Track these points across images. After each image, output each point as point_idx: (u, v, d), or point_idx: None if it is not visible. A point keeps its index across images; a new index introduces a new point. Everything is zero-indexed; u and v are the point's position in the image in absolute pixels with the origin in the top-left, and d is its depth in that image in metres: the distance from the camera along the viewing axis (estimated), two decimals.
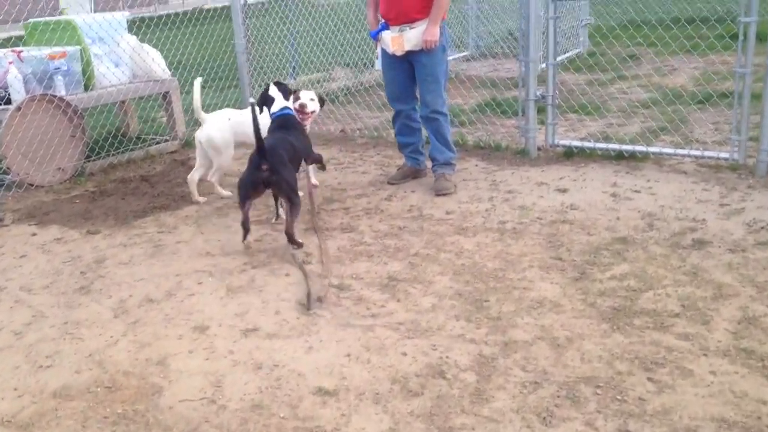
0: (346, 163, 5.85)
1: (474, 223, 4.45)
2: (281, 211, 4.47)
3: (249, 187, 4.08)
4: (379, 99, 7.38)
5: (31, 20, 6.16)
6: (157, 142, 6.51)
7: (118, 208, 5.06)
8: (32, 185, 5.42)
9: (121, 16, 6.19)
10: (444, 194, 4.99)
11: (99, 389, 2.94)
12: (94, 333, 3.36)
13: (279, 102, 4.49)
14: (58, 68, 5.70)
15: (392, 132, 5.60)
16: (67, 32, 5.91)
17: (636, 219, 4.32)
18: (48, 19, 6.16)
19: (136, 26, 7.01)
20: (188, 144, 6.54)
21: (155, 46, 6.51)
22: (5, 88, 5.50)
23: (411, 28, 4.97)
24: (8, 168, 5.36)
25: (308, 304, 3.51)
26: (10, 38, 9.55)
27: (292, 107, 4.54)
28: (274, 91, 4.51)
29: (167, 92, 6.46)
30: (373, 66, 8.36)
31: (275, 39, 8.08)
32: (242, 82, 7.00)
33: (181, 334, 3.32)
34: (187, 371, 3.02)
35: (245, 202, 4.11)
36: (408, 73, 5.14)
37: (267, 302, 3.58)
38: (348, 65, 8.97)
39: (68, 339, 3.32)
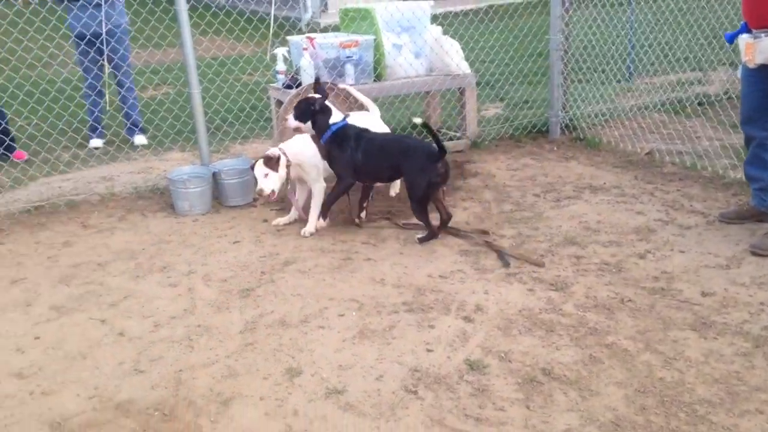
0: (627, 197, 4.72)
1: (729, 321, 3.15)
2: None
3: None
4: (733, 116, 5.86)
5: (342, 7, 6.22)
6: (450, 139, 6.12)
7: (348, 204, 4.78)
8: None
9: (427, 6, 5.88)
10: (759, 254, 3.76)
11: (157, 413, 2.73)
12: (208, 345, 3.18)
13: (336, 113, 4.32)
14: (350, 57, 5.65)
15: (717, 165, 4.50)
16: (367, 20, 5.82)
17: None
18: (355, 6, 6.15)
19: (440, 19, 6.66)
20: (475, 145, 6.03)
21: (459, 39, 6.08)
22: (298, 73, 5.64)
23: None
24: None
25: (504, 260, 3.77)
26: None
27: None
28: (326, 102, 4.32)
29: (462, 88, 5.99)
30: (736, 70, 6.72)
31: (603, 34, 6.95)
32: (552, 81, 6.16)
33: (270, 374, 2.93)
34: (238, 423, 2.65)
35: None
36: (766, 92, 3.91)
37: (380, 360, 2.98)
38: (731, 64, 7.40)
39: (183, 346, 3.19)
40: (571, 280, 3.62)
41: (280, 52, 5.92)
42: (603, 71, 6.99)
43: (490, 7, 7.42)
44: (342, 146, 4.21)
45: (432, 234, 4.17)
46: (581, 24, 6.34)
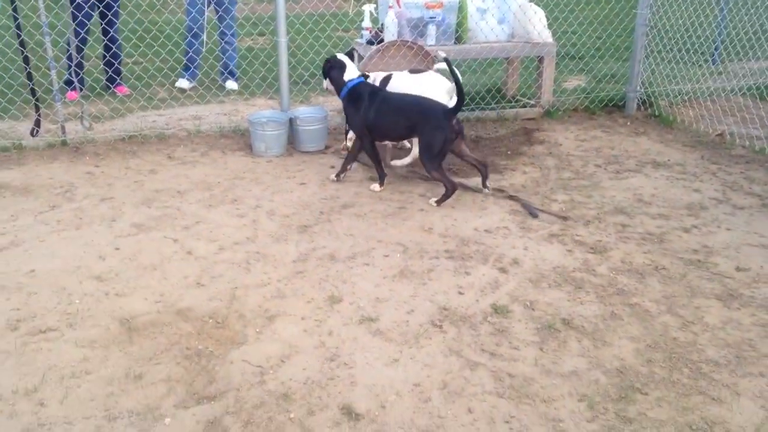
0: (688, 174, 4.76)
1: (756, 294, 3.25)
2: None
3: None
4: None
5: None
6: (523, 106, 6.24)
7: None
8: None
9: None
10: None
11: (211, 321, 3.09)
12: (263, 270, 3.51)
13: (351, 69, 4.53)
14: (433, 18, 5.83)
15: None
16: None
17: None
18: None
19: None
20: (549, 114, 6.12)
21: (545, 8, 6.15)
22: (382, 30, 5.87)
23: None
24: None
25: (531, 211, 4.04)
26: None
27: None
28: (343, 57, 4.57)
29: (541, 57, 6.07)
30: None
31: (693, 13, 6.82)
32: (634, 56, 6.15)
33: (313, 299, 3.24)
34: (279, 336, 2.96)
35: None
36: None
37: (414, 297, 3.24)
38: None
39: (241, 268, 3.53)
40: (612, 246, 3.76)
41: (368, 8, 6.16)
42: (689, 51, 6.88)
43: None
44: (356, 104, 4.41)
45: (449, 191, 4.26)
46: (672, 1, 6.25)
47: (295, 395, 2.59)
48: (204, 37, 6.96)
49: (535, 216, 4.09)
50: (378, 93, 4.42)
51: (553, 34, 7.65)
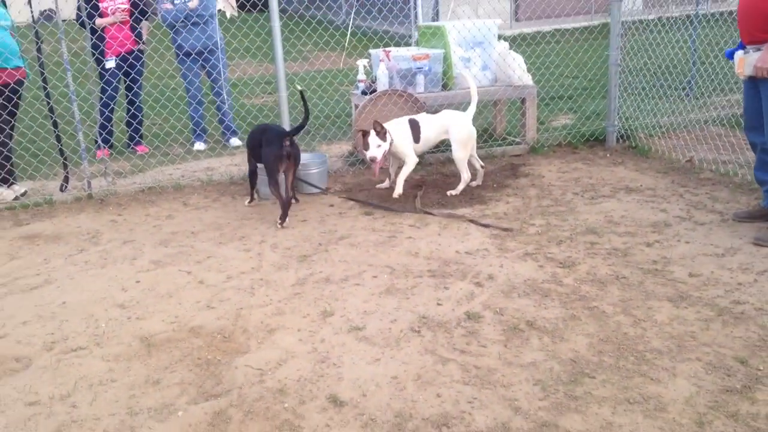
0: (657, 198, 5.17)
1: (704, 295, 3.63)
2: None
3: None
4: None
5: (422, 23, 6.95)
6: (509, 143, 6.72)
7: (407, 196, 5.48)
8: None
9: (492, 24, 6.51)
10: (761, 245, 4.21)
11: (219, 336, 3.53)
12: (265, 293, 3.95)
13: None
14: (420, 68, 6.38)
15: (750, 173, 4.92)
16: (436, 36, 6.53)
17: None
18: (430, 24, 6.87)
19: (528, 39, 7.22)
20: (534, 150, 6.59)
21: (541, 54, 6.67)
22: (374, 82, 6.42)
23: (756, 50, 4.23)
24: (354, 146, 6.30)
25: (481, 225, 4.71)
26: None
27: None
28: None
29: (523, 98, 6.58)
30: None
31: (662, 52, 7.33)
32: (609, 94, 6.63)
33: (308, 314, 3.68)
34: (277, 345, 3.39)
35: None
36: (761, 101, 4.38)
37: (397, 309, 3.66)
38: None
39: (246, 293, 3.98)
40: (580, 261, 4.17)
41: (362, 63, 6.74)
42: (662, 87, 7.36)
43: (577, 29, 7.95)
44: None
45: (283, 205, 4.99)
46: (641, 43, 6.76)
47: (289, 390, 3.01)
48: (205, 103, 7.52)
49: (487, 226, 4.75)
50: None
51: (546, 78, 8.21)
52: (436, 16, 14.69)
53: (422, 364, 3.14)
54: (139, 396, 3.04)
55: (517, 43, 7.96)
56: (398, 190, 5.45)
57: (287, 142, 4.97)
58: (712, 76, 7.18)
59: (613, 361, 3.08)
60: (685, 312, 3.48)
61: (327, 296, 3.87)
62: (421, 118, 5.61)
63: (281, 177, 5.05)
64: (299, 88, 5.06)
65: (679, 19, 7.14)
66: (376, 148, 5.22)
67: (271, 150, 4.97)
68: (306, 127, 5.28)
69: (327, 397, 2.94)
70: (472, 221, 4.85)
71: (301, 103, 5.09)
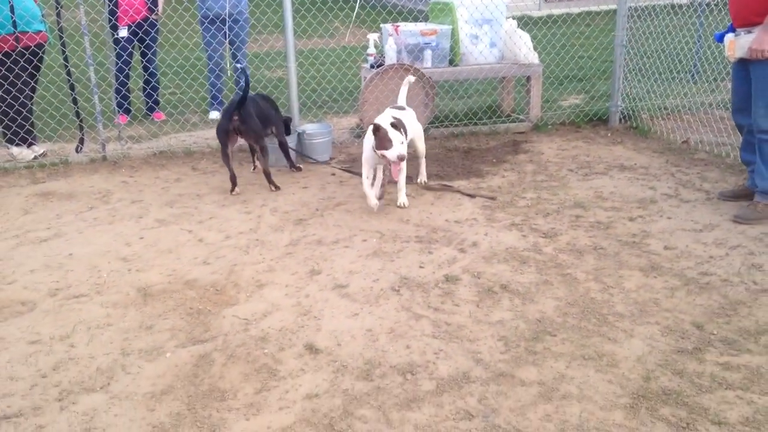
0: (649, 176, 5.30)
1: (674, 267, 3.78)
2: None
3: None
4: None
5: (432, 1, 7.08)
6: (513, 121, 6.85)
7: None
8: None
9: (500, 2, 6.61)
10: (740, 222, 4.33)
11: (211, 289, 3.76)
12: (259, 252, 4.17)
13: None
14: (428, 43, 6.52)
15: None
16: (444, 12, 6.66)
17: None
18: (439, 0, 6.98)
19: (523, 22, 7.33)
20: (538, 128, 6.71)
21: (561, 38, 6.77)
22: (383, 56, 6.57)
23: (747, 33, 4.32)
24: (361, 119, 6.48)
25: (466, 194, 4.91)
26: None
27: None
28: None
29: (528, 76, 6.69)
30: None
31: (669, 34, 7.37)
32: (614, 74, 6.72)
33: (297, 272, 3.89)
34: (265, 298, 3.61)
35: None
36: (750, 83, 4.48)
37: (381, 270, 3.86)
38: None
39: (242, 251, 4.20)
40: (562, 232, 4.33)
41: (372, 37, 6.89)
42: (668, 69, 7.42)
43: (608, 12, 8.01)
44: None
45: (231, 177, 5.21)
46: (648, 25, 6.82)
47: (270, 338, 3.23)
48: (226, 74, 7.73)
49: (472, 197, 4.98)
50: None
51: (561, 57, 8.30)
52: None
53: (397, 319, 3.34)
54: (132, 339, 3.27)
55: (548, 25, 8.02)
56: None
57: (235, 117, 5.06)
58: (719, 60, 7.22)
59: (576, 322, 3.26)
60: (654, 281, 3.64)
61: (317, 256, 4.08)
62: (393, 111, 4.93)
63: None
64: (239, 66, 5.28)
65: (688, 7, 7.20)
66: (400, 145, 4.46)
67: (220, 124, 5.17)
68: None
69: (304, 345, 3.16)
70: (458, 191, 5.02)
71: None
